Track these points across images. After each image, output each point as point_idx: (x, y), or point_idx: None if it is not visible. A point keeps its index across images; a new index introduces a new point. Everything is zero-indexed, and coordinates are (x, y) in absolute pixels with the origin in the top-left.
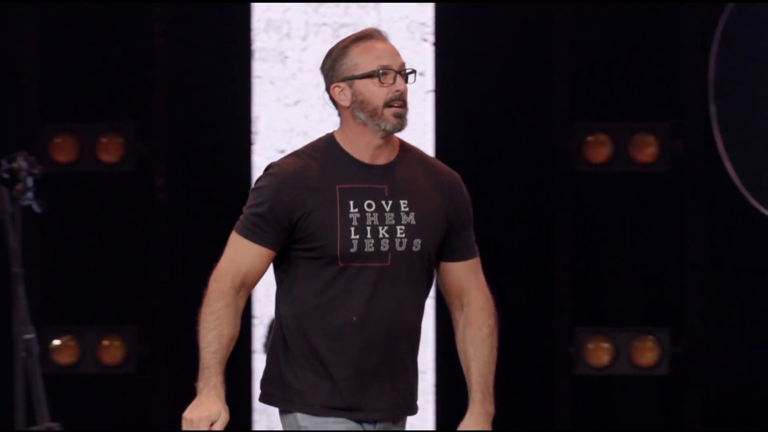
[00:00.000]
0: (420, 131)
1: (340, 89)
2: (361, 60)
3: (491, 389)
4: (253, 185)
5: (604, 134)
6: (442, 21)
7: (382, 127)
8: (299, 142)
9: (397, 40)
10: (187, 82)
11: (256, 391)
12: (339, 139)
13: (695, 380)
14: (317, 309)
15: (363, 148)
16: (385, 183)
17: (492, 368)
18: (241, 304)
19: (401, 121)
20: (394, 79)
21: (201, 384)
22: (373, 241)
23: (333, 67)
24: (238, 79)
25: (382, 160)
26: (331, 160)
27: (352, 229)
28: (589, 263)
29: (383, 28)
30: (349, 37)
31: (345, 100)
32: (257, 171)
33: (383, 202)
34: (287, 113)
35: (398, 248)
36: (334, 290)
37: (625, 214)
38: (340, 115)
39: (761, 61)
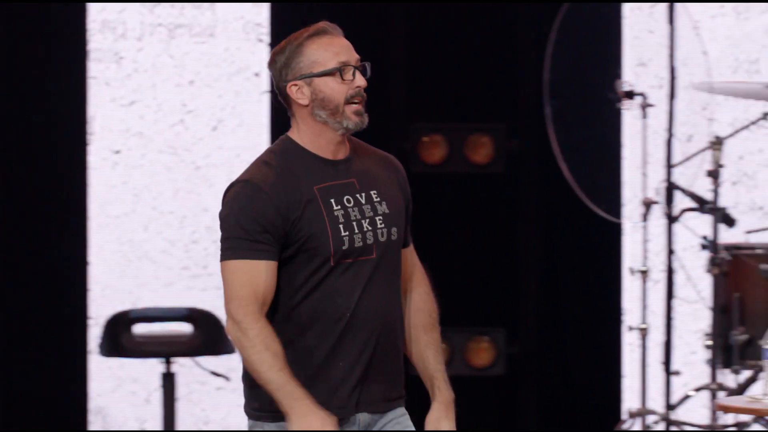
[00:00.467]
0: (255, 132)
1: (297, 87)
2: (320, 56)
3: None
4: (226, 207)
5: (439, 135)
6: (277, 21)
7: (344, 125)
8: (135, 143)
9: (232, 41)
10: (21, 82)
11: (92, 391)
12: (297, 139)
13: (530, 380)
14: (304, 312)
15: (324, 146)
16: (353, 176)
17: (440, 354)
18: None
19: (362, 118)
20: (353, 75)
21: (287, 402)
22: (360, 235)
23: (287, 64)
24: (73, 79)
25: (341, 155)
26: (298, 162)
27: (341, 226)
28: (424, 264)
29: (218, 28)
30: (302, 33)
31: (303, 99)
32: (93, 172)
33: (358, 196)
34: (122, 114)
35: (381, 239)
36: (324, 289)
37: (461, 214)
38: (293, 114)
39: (595, 62)
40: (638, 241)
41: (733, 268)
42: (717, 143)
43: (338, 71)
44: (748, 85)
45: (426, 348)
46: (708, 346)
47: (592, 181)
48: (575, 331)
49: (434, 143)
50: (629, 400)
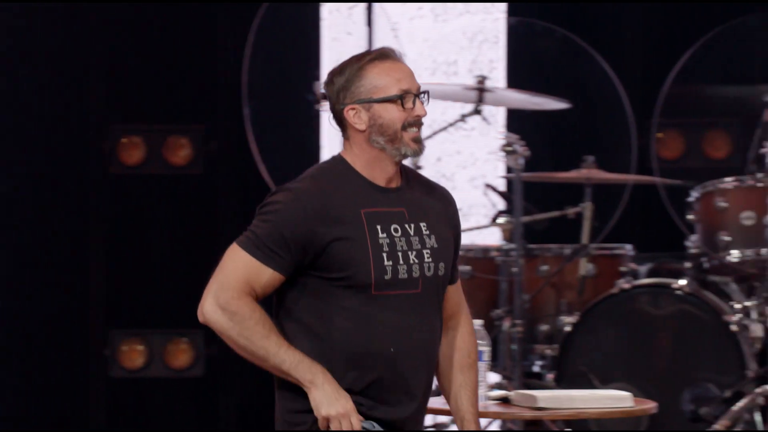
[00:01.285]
0: None
1: (355, 111)
2: (381, 81)
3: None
4: (263, 204)
5: (137, 136)
6: None
7: (402, 152)
8: None
9: None
10: None
11: None
12: (351, 162)
13: (230, 381)
14: (345, 341)
15: (378, 172)
16: (403, 206)
17: (476, 392)
18: None
19: (420, 145)
20: (414, 103)
21: (309, 376)
22: (405, 267)
23: (346, 87)
24: None
25: (395, 182)
26: (349, 183)
27: (384, 255)
28: (125, 265)
29: None
30: (363, 56)
31: (360, 123)
32: None
33: (407, 226)
34: None
35: (427, 273)
36: (365, 320)
37: (160, 216)
38: (348, 138)
39: (294, 63)
40: None
41: None
42: None
43: (399, 98)
44: (446, 87)
45: (461, 388)
46: None
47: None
48: None
49: (133, 144)
50: None
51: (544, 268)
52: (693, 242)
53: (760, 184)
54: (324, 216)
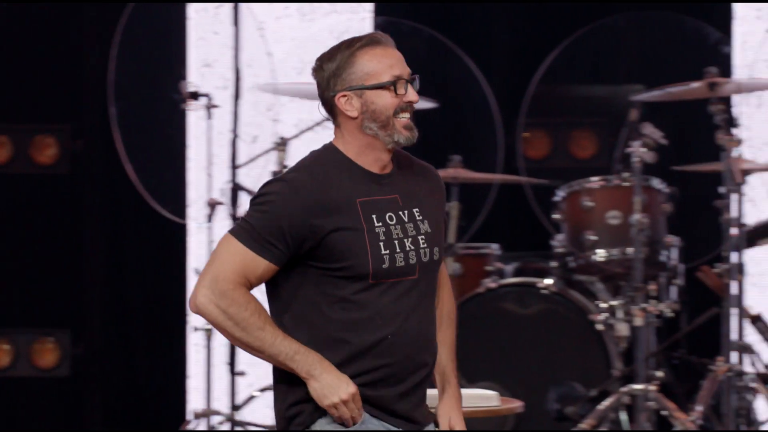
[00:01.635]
0: None
1: (347, 98)
2: (373, 68)
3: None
4: (258, 194)
5: (3, 135)
6: None
7: (395, 139)
8: None
9: None
10: None
11: None
12: (343, 150)
13: (95, 381)
14: (342, 330)
15: (371, 159)
16: (396, 192)
17: (454, 359)
18: None
19: (412, 132)
20: (405, 88)
21: (306, 367)
22: (402, 255)
23: (337, 73)
24: None
25: (387, 168)
26: (343, 172)
27: (381, 244)
28: None
29: None
30: (354, 42)
31: (352, 111)
32: None
33: (401, 213)
34: None
35: (423, 259)
36: (363, 309)
37: (26, 215)
38: (339, 125)
39: (160, 62)
40: (203, 242)
41: None
42: (282, 144)
43: (392, 85)
44: (312, 87)
45: (441, 344)
46: None
47: (157, 181)
48: (141, 331)
49: (0, 144)
50: (195, 401)
51: None
52: (559, 242)
53: (626, 184)
54: (321, 207)
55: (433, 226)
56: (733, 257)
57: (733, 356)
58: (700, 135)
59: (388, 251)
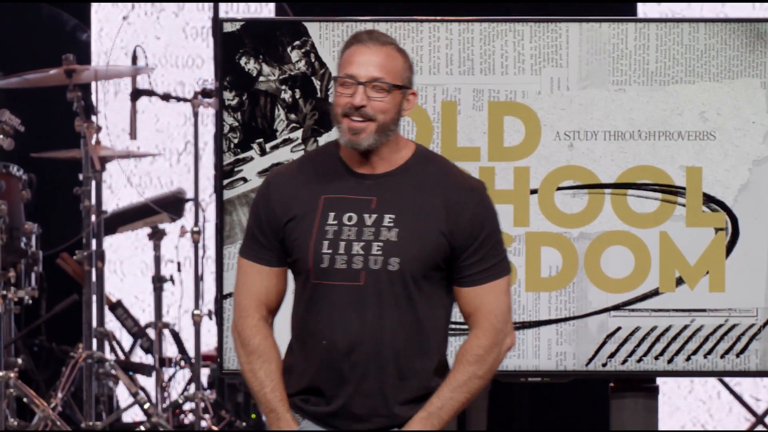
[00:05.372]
0: None
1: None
2: (340, 65)
3: (444, 415)
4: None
5: None
6: None
7: (342, 140)
8: None
9: None
10: None
11: None
12: (341, 143)
13: None
14: (299, 330)
15: (351, 157)
16: (375, 195)
17: (459, 396)
18: (272, 330)
19: (355, 137)
20: (355, 90)
21: (275, 427)
22: (345, 257)
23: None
24: None
25: (380, 169)
26: (325, 167)
27: (326, 242)
28: None
29: None
30: (350, 38)
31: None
32: None
33: (366, 216)
34: None
35: (372, 266)
36: (309, 310)
37: None
38: None
39: None
40: None
41: None
42: None
43: (338, 81)
44: None
45: (448, 378)
46: None
47: None
48: None
49: None
50: None
51: None
52: None
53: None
54: (284, 199)
55: (404, 237)
56: (93, 244)
57: (94, 343)
58: (59, 122)
59: (330, 251)
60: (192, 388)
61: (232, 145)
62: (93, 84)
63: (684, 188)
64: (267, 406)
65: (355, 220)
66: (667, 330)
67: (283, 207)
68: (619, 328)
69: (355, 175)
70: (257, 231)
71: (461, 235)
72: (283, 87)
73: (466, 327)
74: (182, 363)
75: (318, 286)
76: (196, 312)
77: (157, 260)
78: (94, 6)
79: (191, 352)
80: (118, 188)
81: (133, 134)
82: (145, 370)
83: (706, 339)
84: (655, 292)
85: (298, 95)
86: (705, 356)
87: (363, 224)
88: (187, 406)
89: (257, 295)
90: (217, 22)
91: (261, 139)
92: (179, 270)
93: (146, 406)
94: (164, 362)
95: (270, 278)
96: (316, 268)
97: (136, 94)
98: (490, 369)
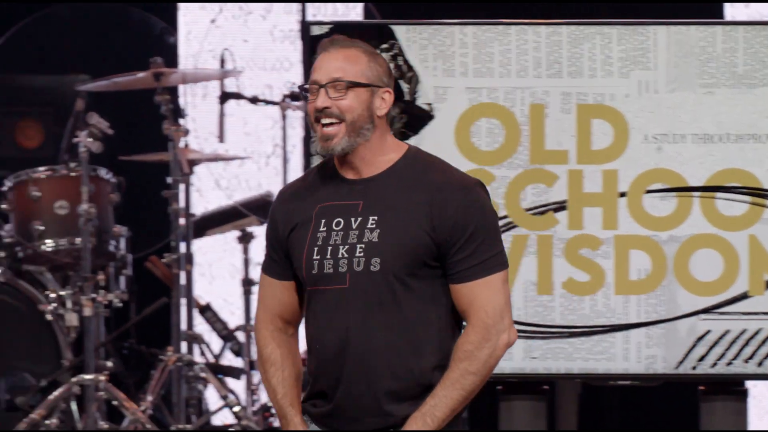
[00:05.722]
0: None
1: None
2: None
3: (439, 414)
4: None
5: None
6: None
7: (317, 148)
8: None
9: None
10: None
11: None
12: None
13: None
14: (307, 338)
15: (341, 163)
16: (362, 198)
17: (452, 393)
18: (293, 341)
19: (327, 144)
20: (317, 94)
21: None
22: (332, 261)
23: None
24: None
25: (367, 173)
26: (323, 177)
27: (315, 249)
28: None
29: None
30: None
31: None
32: None
33: (352, 219)
34: None
35: (356, 268)
36: (308, 318)
37: None
38: None
39: None
40: None
41: None
42: None
43: (306, 89)
44: None
45: (443, 376)
46: None
47: None
48: None
49: None
50: None
51: None
52: (6, 232)
53: (73, 174)
54: (286, 213)
55: (385, 237)
56: (182, 247)
57: (183, 346)
58: (147, 125)
59: (318, 257)
60: None
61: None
62: (181, 87)
63: None
64: (279, 411)
65: (342, 224)
66: (756, 333)
67: (285, 221)
68: (708, 332)
69: (346, 182)
70: (269, 246)
71: (445, 231)
72: None
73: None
74: None
75: (313, 293)
76: None
77: (246, 263)
78: (182, 9)
79: None
80: (207, 191)
81: (221, 137)
82: (234, 373)
83: None
84: (744, 295)
85: None
86: None
87: (349, 228)
88: None
89: (271, 308)
90: (305, 25)
91: None
92: None
93: (236, 409)
94: (253, 365)
95: (282, 291)
96: (308, 275)
97: (224, 97)
98: (484, 365)
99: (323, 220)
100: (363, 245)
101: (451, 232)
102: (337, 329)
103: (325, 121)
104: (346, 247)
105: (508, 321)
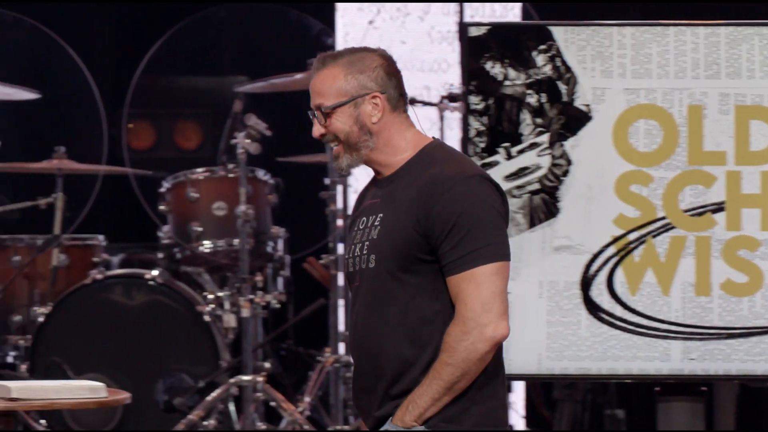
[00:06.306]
0: None
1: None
2: None
3: (420, 402)
4: None
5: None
6: None
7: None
8: None
9: None
10: None
11: None
12: None
13: None
14: None
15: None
16: (380, 197)
17: (433, 383)
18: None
19: (336, 162)
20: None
21: None
22: (351, 260)
23: None
24: None
25: (387, 173)
26: (372, 180)
27: (349, 249)
28: None
29: None
30: None
31: None
32: None
33: (371, 218)
34: None
35: (362, 266)
36: None
37: None
38: None
39: None
40: None
41: None
42: None
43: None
44: None
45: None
46: None
47: None
48: None
49: None
50: None
51: (16, 258)
52: (165, 233)
53: (231, 175)
54: (352, 216)
55: (383, 234)
56: (339, 248)
57: (341, 347)
58: (305, 126)
59: (348, 255)
60: None
61: (478, 150)
62: None
63: None
64: None
65: (365, 223)
66: None
67: (350, 225)
68: None
69: (376, 183)
70: None
71: (429, 224)
72: (529, 91)
73: None
74: None
75: (353, 291)
76: None
77: None
78: (340, 10)
79: None
80: None
81: None
82: None
83: None
84: None
85: (544, 99)
86: None
87: (366, 226)
88: None
89: None
90: (462, 27)
91: (507, 144)
92: None
93: None
94: None
95: None
96: (345, 274)
97: None
98: (463, 358)
99: (358, 221)
100: (368, 243)
101: (433, 224)
102: (352, 325)
103: (331, 144)
104: (360, 245)
105: (493, 315)
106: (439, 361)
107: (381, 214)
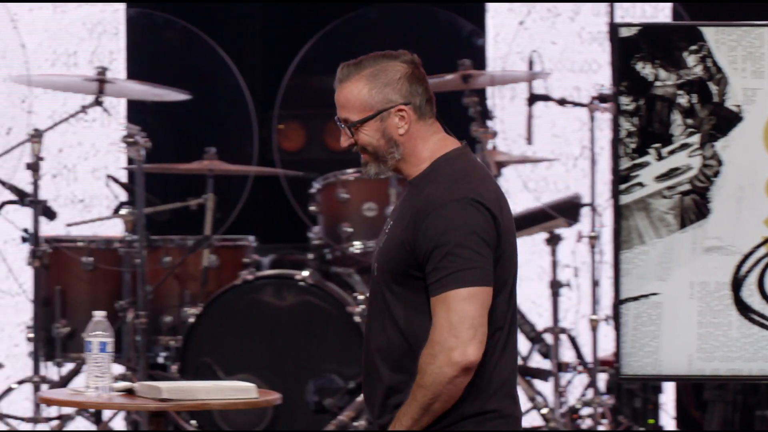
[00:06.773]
0: None
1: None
2: None
3: (404, 421)
4: None
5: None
6: None
7: None
8: None
9: None
10: None
11: None
12: None
13: None
14: None
15: None
16: (398, 205)
17: (412, 402)
18: None
19: (364, 170)
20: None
21: None
22: (372, 266)
23: None
24: None
25: (409, 179)
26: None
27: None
28: None
29: None
30: None
31: None
32: None
33: (389, 223)
34: None
35: (373, 270)
36: None
37: None
38: None
39: None
40: None
41: (54, 261)
42: (36, 136)
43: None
44: (66, 78)
45: None
46: (30, 339)
47: None
48: None
49: None
50: None
51: (167, 259)
52: (315, 234)
53: (380, 176)
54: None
55: (386, 242)
56: None
57: None
58: (455, 127)
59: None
60: (589, 393)
61: (628, 150)
62: (489, 89)
63: None
64: None
65: (385, 226)
66: None
67: None
68: None
69: (404, 185)
70: None
71: (418, 244)
72: (680, 92)
73: None
74: (579, 368)
75: None
76: (593, 317)
77: (554, 265)
78: (491, 11)
79: (588, 357)
80: (515, 193)
81: (529, 139)
82: (542, 375)
83: None
84: None
85: (695, 100)
86: None
87: (383, 231)
88: (585, 411)
89: None
90: (613, 27)
91: (658, 144)
92: (576, 275)
93: (544, 411)
94: (561, 367)
95: None
96: None
97: (533, 99)
98: (432, 381)
99: (387, 221)
100: (377, 249)
101: (421, 244)
102: (366, 330)
103: (360, 153)
104: (376, 249)
105: (460, 340)
106: (415, 383)
107: (391, 223)
